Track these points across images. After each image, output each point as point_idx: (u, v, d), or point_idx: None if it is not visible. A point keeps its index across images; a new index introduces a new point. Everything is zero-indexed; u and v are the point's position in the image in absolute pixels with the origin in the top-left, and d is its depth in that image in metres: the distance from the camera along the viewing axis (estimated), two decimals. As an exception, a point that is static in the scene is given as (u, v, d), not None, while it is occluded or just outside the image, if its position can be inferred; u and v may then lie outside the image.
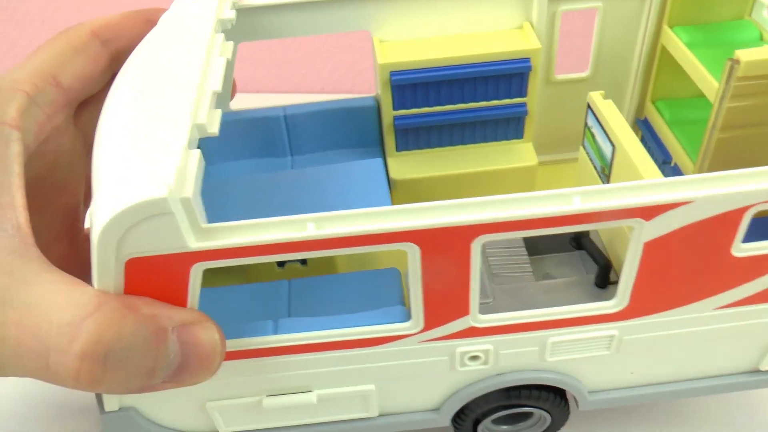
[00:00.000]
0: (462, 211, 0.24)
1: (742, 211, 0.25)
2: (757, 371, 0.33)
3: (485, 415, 0.33)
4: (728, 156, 0.34)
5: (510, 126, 0.39)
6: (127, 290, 0.24)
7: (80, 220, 0.33)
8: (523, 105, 0.38)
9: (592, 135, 0.33)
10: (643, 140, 0.43)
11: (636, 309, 0.29)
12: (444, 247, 0.25)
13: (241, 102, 0.40)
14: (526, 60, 0.37)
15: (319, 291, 0.34)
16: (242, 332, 0.28)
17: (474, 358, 0.30)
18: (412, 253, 0.25)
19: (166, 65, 0.29)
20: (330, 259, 0.37)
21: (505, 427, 0.35)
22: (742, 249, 0.27)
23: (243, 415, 0.31)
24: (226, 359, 0.27)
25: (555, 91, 0.41)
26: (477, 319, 0.28)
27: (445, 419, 0.32)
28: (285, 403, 0.30)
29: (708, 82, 0.35)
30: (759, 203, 0.25)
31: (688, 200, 0.25)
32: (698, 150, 0.34)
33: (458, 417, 0.33)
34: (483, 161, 0.39)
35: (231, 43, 0.32)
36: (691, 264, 0.27)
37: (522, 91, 0.38)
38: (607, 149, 0.31)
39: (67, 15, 0.68)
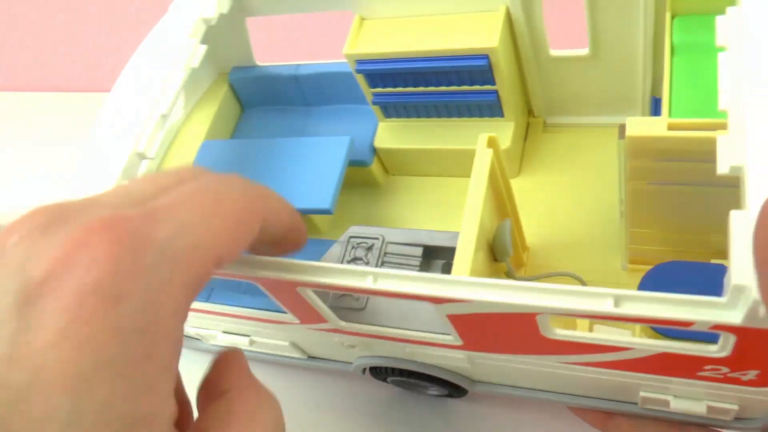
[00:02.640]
0: (285, 272, 0.29)
1: (530, 316, 0.26)
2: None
3: (392, 374, 0.39)
4: (644, 201, 0.31)
5: (486, 107, 0.39)
6: None
7: None
8: (493, 92, 0.37)
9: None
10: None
11: (471, 347, 0.32)
12: (278, 288, 0.31)
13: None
14: (484, 57, 0.35)
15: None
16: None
17: (351, 346, 0.36)
18: (263, 287, 0.31)
19: (139, 77, 0.36)
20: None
21: (413, 380, 0.41)
22: (553, 334, 0.28)
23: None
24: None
25: (555, 65, 0.39)
26: (338, 324, 0.34)
27: (357, 372, 0.39)
28: (231, 340, 0.40)
29: (664, 105, 0.31)
30: (543, 313, 0.26)
31: (466, 299, 0.27)
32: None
33: (370, 370, 0.40)
34: (461, 139, 0.40)
35: (204, 47, 0.37)
36: (508, 332, 0.29)
37: (488, 80, 0.37)
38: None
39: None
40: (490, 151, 0.31)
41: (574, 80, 0.39)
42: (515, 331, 0.29)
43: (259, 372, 0.29)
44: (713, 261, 0.34)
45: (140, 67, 0.37)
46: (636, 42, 0.36)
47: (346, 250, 0.37)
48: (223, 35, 0.42)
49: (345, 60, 0.43)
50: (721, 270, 0.33)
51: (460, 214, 0.41)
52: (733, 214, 0.22)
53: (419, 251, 0.36)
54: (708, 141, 0.26)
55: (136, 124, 0.34)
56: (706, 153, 0.27)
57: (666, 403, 0.31)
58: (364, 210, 0.43)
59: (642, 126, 0.27)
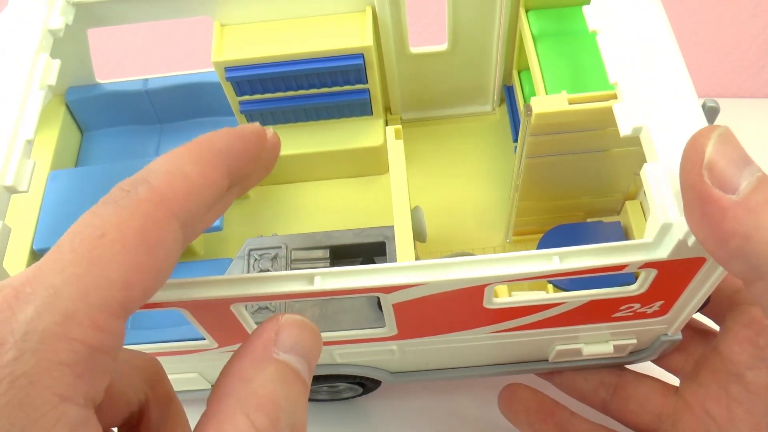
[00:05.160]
0: (220, 289, 0.27)
1: (480, 288, 0.28)
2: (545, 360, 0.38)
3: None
4: (536, 174, 0.35)
5: (357, 106, 0.40)
6: None
7: None
8: (365, 91, 0.39)
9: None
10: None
11: (405, 335, 0.32)
12: (207, 309, 0.28)
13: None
14: (359, 56, 0.36)
15: None
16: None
17: (272, 362, 0.34)
18: (186, 312, 0.29)
19: None
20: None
21: (325, 387, 0.40)
22: (494, 303, 0.30)
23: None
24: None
25: (413, 62, 0.41)
26: (266, 340, 0.32)
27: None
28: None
29: (539, 87, 0.35)
30: (493, 283, 0.27)
31: (420, 283, 0.27)
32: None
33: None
34: (332, 140, 0.40)
35: (57, 62, 0.33)
36: (449, 310, 0.30)
37: (361, 79, 0.38)
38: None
39: None
40: (401, 142, 0.32)
41: (432, 75, 0.42)
42: (458, 307, 0.30)
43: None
44: (588, 220, 0.38)
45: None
46: (492, 35, 0.39)
47: (249, 264, 0.35)
48: (59, 50, 0.38)
49: (198, 71, 0.41)
50: (599, 225, 0.37)
51: (345, 215, 0.41)
52: (647, 166, 0.26)
53: (326, 253, 0.35)
54: (603, 111, 0.30)
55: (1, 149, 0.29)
56: (598, 122, 0.31)
57: (578, 351, 0.35)
58: (240, 226, 0.41)
59: (546, 103, 0.30)
